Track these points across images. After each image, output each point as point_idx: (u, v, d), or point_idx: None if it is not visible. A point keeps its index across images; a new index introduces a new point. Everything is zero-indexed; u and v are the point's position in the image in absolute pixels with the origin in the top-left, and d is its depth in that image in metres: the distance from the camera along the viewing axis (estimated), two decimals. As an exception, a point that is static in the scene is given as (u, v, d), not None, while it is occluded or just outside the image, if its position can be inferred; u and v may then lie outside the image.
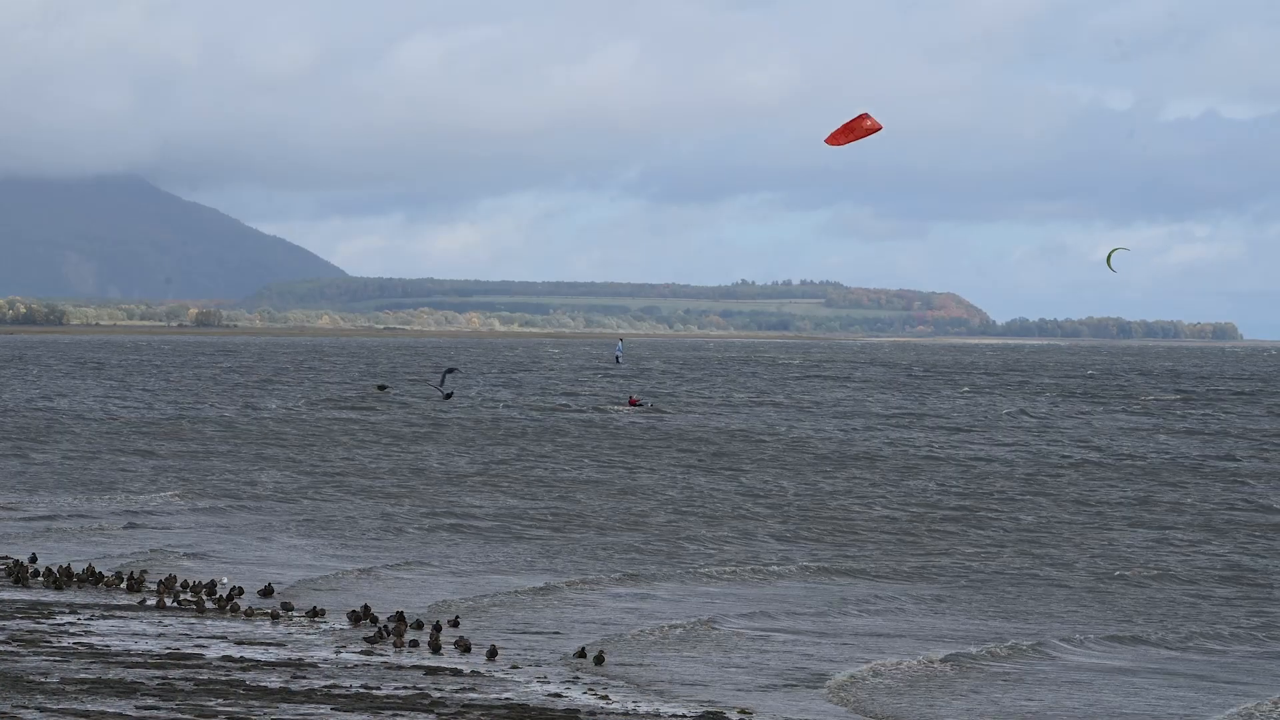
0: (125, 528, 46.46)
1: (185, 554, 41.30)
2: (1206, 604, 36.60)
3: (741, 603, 35.47)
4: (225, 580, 36.29)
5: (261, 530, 46.60)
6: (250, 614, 32.85)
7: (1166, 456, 72.31)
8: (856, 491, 56.99)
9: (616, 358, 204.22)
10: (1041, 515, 51.15)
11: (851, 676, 27.95)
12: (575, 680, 27.14)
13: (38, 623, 31.06)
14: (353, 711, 24.27)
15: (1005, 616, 34.45)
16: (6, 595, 34.47)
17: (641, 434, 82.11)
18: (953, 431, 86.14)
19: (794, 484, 59.36)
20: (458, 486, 57.92)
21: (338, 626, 31.83)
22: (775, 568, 40.68)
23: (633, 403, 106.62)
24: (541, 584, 37.48)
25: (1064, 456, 71.45)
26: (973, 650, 30.32)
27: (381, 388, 78.86)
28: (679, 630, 31.99)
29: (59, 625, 30.90)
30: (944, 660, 29.46)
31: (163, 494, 54.57)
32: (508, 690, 26.10)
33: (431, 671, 27.47)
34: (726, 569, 40.37)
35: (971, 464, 67.49)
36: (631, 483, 59.23)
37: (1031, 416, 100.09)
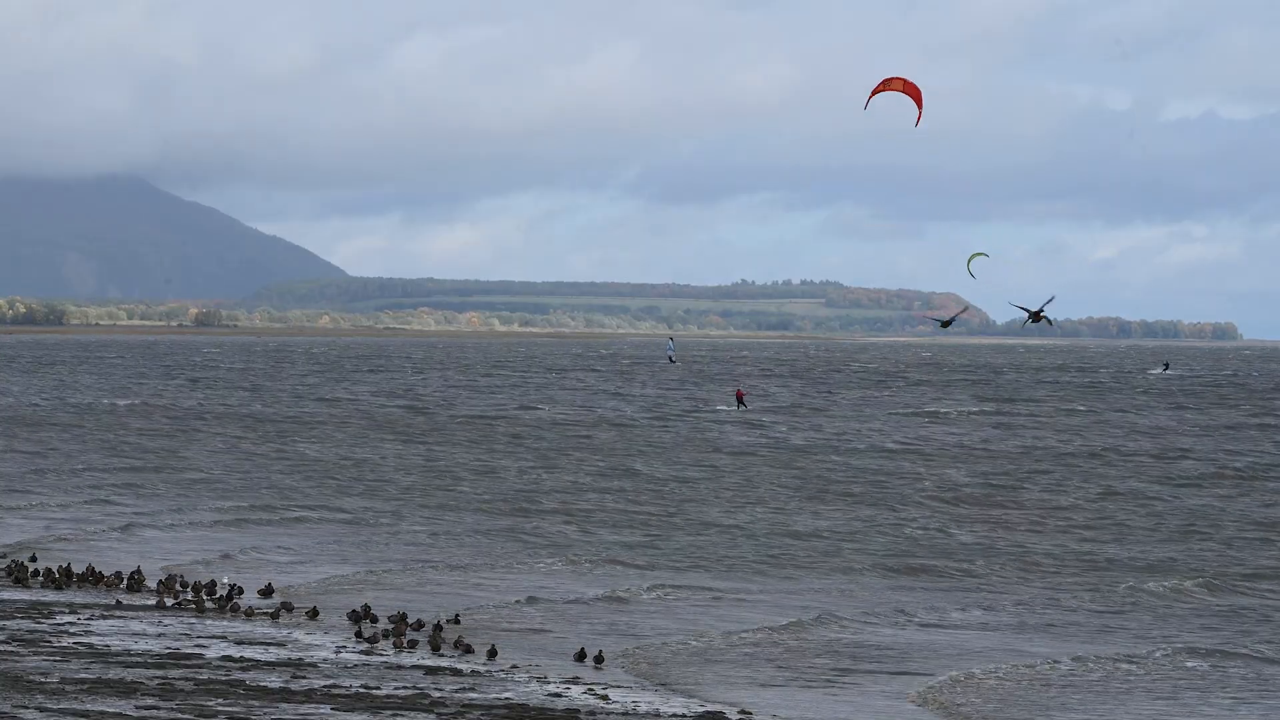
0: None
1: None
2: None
3: (746, 604, 35.50)
4: (225, 580, 36.30)
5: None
6: (250, 614, 32.86)
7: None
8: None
9: (669, 357, 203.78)
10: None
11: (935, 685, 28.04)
12: (575, 680, 27.14)
13: (38, 623, 31.07)
14: (353, 711, 24.27)
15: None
16: (6, 595, 34.48)
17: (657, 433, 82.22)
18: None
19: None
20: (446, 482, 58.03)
21: (338, 626, 31.84)
22: (779, 570, 40.78)
23: (739, 396, 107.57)
24: (541, 585, 37.53)
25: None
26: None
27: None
28: (681, 630, 32.01)
29: (59, 625, 30.91)
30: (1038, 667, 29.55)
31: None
32: (508, 690, 26.10)
33: (431, 671, 27.47)
34: (723, 569, 40.43)
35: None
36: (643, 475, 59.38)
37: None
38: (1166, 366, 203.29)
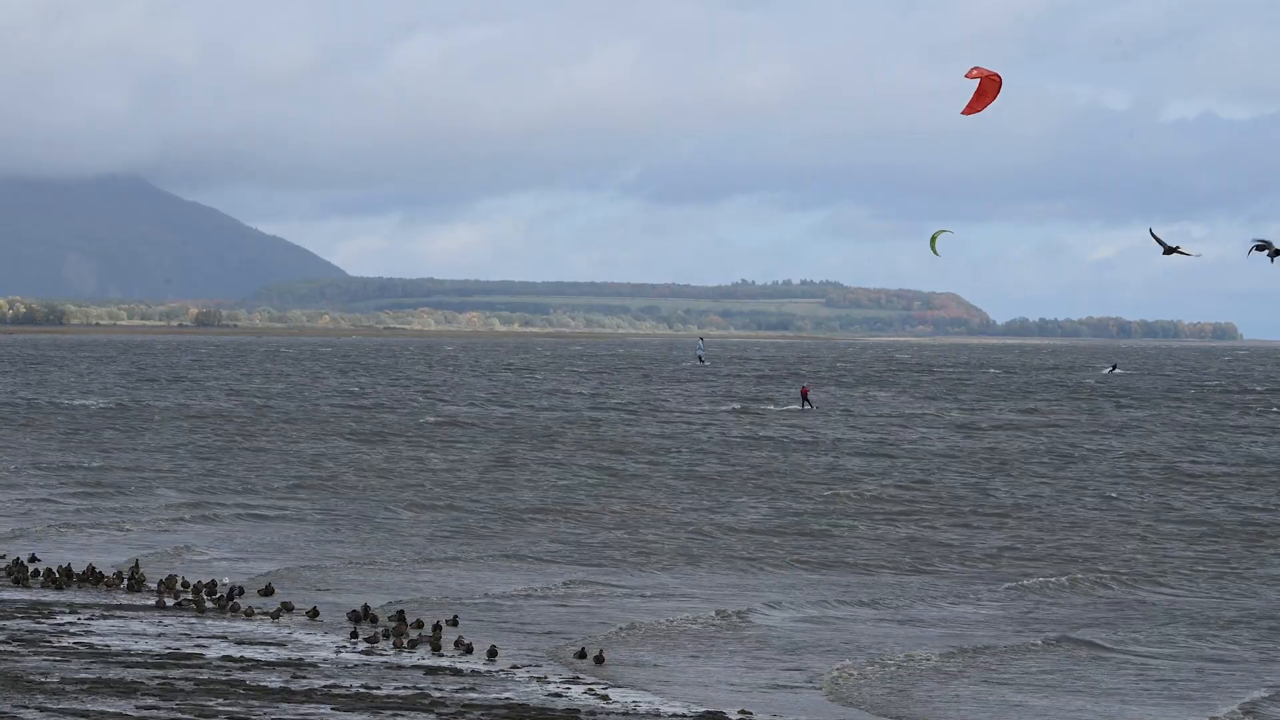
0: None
1: None
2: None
3: (688, 598, 35.54)
4: (225, 580, 36.32)
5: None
6: (250, 614, 32.85)
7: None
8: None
9: (699, 357, 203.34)
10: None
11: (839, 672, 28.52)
12: (575, 680, 27.14)
13: (38, 623, 31.06)
14: (353, 711, 24.26)
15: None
16: (6, 595, 34.48)
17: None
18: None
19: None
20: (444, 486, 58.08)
21: (338, 626, 31.83)
22: (779, 563, 40.86)
23: (804, 393, 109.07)
24: (540, 583, 37.54)
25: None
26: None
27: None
28: (683, 630, 32.03)
29: (59, 625, 30.90)
30: (966, 655, 29.61)
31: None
32: (508, 690, 26.09)
33: (431, 671, 27.47)
34: (721, 565, 40.49)
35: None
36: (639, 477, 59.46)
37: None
38: (1114, 367, 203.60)
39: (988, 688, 27.73)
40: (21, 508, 50.23)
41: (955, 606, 35.59)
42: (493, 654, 28.92)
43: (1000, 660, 29.82)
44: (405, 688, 26.02)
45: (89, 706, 23.90)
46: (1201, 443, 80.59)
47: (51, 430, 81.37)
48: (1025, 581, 38.83)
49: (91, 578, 36.26)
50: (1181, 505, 54.45)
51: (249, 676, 26.53)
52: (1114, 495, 57.01)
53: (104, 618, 31.91)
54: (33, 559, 39.11)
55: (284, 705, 24.49)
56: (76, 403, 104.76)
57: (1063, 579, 39.04)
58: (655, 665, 28.77)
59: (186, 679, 26.08)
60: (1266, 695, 27.33)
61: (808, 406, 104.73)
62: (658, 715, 24.80)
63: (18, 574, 36.51)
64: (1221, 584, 39.14)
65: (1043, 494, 57.24)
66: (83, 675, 26.05)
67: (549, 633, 31.50)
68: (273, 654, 28.71)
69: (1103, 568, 40.89)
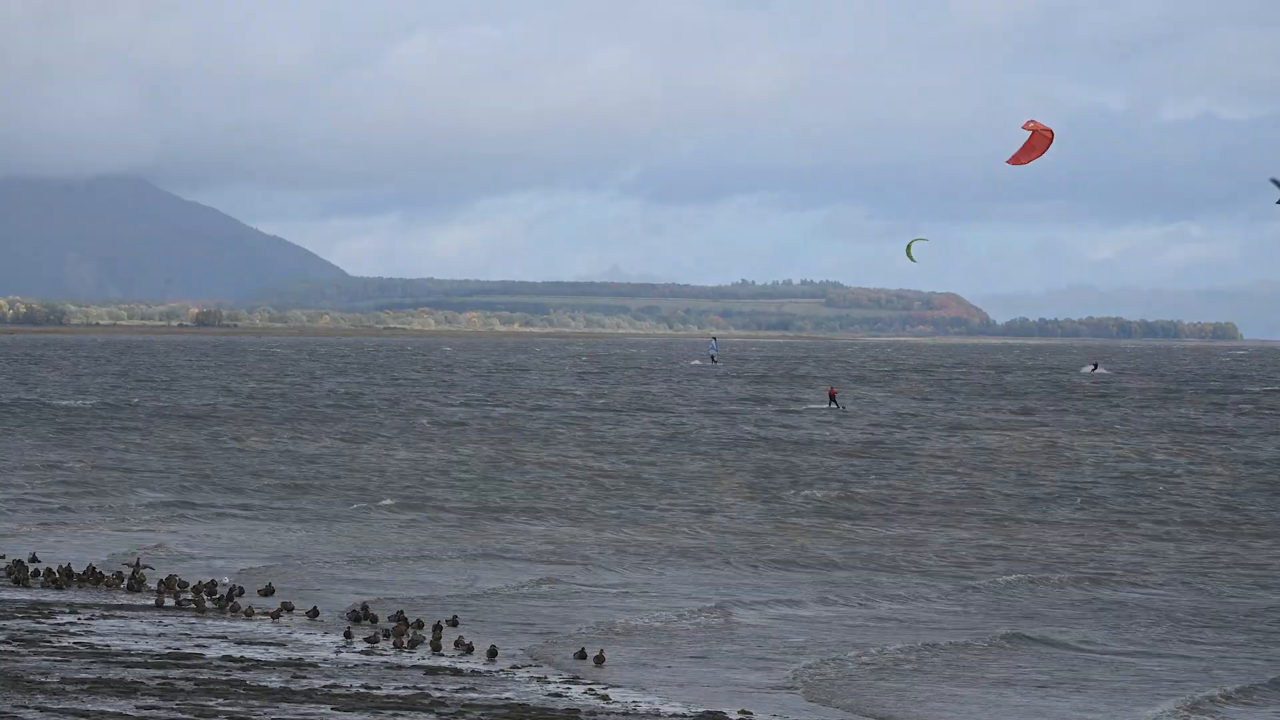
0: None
1: None
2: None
3: (750, 592, 35.60)
4: (226, 580, 36.35)
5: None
6: (250, 613, 32.88)
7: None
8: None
9: (712, 357, 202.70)
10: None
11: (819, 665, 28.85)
12: (575, 680, 27.18)
13: (38, 623, 31.09)
14: (353, 711, 24.29)
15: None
16: (6, 595, 34.51)
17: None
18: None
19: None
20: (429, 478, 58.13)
21: (337, 626, 31.86)
22: (776, 558, 40.92)
23: (831, 394, 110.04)
24: (539, 583, 37.59)
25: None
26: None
27: None
28: (682, 630, 32.06)
29: (59, 625, 30.93)
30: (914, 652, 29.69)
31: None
32: (508, 690, 26.13)
33: (432, 671, 27.50)
34: (719, 565, 40.54)
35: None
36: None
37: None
38: (1096, 366, 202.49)
39: (983, 688, 27.77)
40: (14, 507, 50.28)
41: (951, 607, 35.69)
42: (493, 654, 28.96)
43: (995, 660, 29.89)
44: (405, 688, 26.05)
45: (89, 706, 23.93)
46: (1196, 444, 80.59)
47: (45, 430, 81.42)
48: (1010, 579, 39.04)
49: (91, 578, 36.28)
50: (1171, 506, 54.60)
51: (249, 676, 26.56)
52: (1104, 495, 57.11)
53: (104, 618, 31.95)
54: (33, 559, 39.15)
55: (284, 705, 24.52)
56: (72, 403, 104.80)
57: (1053, 579, 39.19)
58: (655, 665, 28.82)
59: (186, 679, 26.11)
60: (1238, 690, 27.43)
61: (833, 407, 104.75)
62: (658, 715, 24.83)
63: (18, 574, 36.54)
64: (1211, 584, 39.18)
65: (1034, 494, 57.37)
66: (83, 675, 26.08)
67: (549, 633, 31.54)
68: (273, 654, 28.74)
69: (1092, 567, 41.07)
